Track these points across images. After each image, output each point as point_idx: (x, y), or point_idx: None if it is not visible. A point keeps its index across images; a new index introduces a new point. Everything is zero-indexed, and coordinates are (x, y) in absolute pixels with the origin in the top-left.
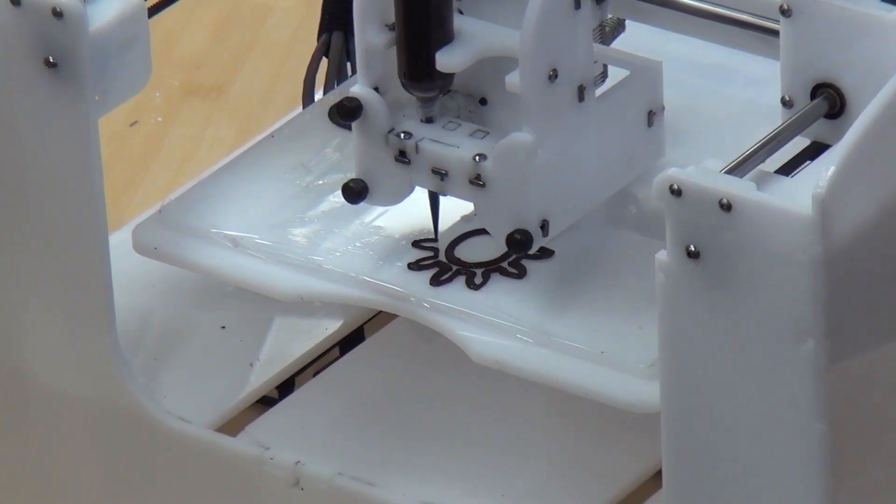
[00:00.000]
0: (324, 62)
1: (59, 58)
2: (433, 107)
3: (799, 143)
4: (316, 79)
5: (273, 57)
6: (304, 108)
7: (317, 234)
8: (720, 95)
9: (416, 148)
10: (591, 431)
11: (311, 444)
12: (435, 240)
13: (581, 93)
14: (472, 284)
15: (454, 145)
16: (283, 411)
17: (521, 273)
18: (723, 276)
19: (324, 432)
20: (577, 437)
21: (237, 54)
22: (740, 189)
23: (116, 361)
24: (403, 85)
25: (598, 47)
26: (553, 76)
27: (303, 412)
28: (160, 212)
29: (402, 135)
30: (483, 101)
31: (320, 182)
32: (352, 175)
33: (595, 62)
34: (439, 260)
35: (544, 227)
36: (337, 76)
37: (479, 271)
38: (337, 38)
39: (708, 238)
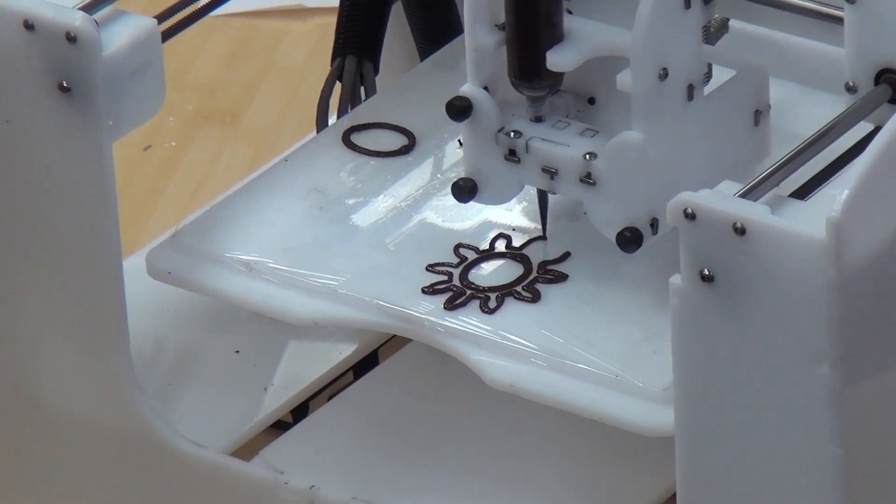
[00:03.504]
0: (337, 86)
1: (73, 83)
2: (542, 106)
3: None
4: (329, 103)
5: (287, 81)
6: (317, 132)
7: (331, 258)
8: None
9: (526, 147)
10: (605, 455)
11: (325, 468)
12: (544, 238)
13: (690, 92)
14: (486, 308)
15: (564, 144)
16: (298, 435)
17: (535, 297)
18: (737, 300)
19: (338, 456)
20: (591, 460)
21: (251, 79)
22: (754, 213)
23: (131, 386)
24: (513, 84)
25: (705, 47)
26: (663, 75)
27: (317, 436)
28: (174, 236)
29: (512, 134)
30: (591, 101)
31: (334, 206)
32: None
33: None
34: (453, 284)
35: (654, 224)
36: (350, 100)
37: (493, 295)
38: (350, 62)
39: (722, 262)
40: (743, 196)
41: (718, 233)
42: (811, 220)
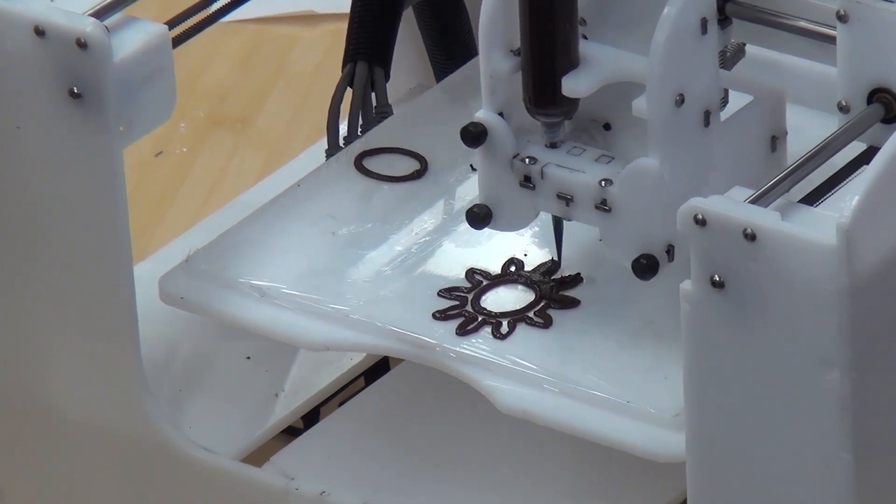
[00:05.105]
0: (348, 92)
1: (84, 89)
2: (558, 132)
3: (831, 167)
4: (340, 109)
5: (298, 87)
6: (328, 137)
7: (343, 283)
8: None
9: (542, 173)
10: (615, 476)
11: (336, 475)
12: (558, 263)
13: (707, 118)
14: (497, 334)
15: (580, 170)
16: (309, 441)
17: (546, 323)
18: (747, 306)
19: (349, 462)
20: (600, 481)
21: (262, 85)
22: (764, 219)
23: (142, 392)
24: (528, 110)
25: (721, 72)
26: (680, 101)
27: (328, 442)
28: (187, 261)
29: (527, 160)
30: (607, 126)
31: (346, 231)
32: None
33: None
34: (465, 309)
35: (670, 251)
36: (361, 106)
37: (505, 321)
38: (361, 68)
39: (732, 268)
40: (753, 202)
41: (729, 239)
42: (822, 226)
